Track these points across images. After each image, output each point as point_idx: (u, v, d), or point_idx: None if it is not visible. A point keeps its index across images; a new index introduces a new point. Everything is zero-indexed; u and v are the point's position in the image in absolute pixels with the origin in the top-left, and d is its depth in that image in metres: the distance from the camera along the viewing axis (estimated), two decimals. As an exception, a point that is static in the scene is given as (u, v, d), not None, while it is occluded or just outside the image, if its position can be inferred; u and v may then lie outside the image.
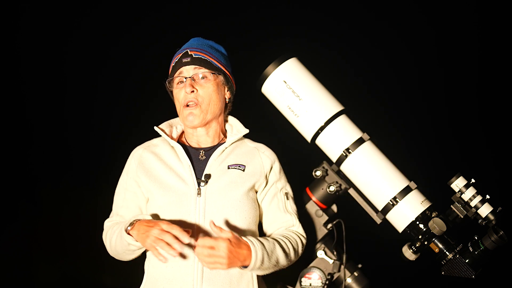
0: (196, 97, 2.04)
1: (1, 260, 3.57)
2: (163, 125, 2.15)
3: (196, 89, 2.04)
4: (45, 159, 3.75)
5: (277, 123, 2.50)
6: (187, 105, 2.04)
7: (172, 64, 2.11)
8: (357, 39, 3.67)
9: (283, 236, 2.06)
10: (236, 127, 2.17)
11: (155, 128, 2.11)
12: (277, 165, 2.15)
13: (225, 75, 2.11)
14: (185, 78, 2.05)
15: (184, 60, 2.06)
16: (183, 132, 2.20)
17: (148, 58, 3.65)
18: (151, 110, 3.20)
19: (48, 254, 3.66)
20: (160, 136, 2.14)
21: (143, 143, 2.17)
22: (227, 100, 2.16)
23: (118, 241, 1.98)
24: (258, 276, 2.08)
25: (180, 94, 2.06)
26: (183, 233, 1.82)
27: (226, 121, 2.21)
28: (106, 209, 2.16)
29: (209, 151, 2.10)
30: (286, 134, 2.51)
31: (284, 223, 2.13)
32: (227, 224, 1.98)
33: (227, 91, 2.15)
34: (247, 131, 2.14)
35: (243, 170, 2.07)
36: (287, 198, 2.16)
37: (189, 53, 2.07)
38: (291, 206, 2.16)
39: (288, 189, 2.19)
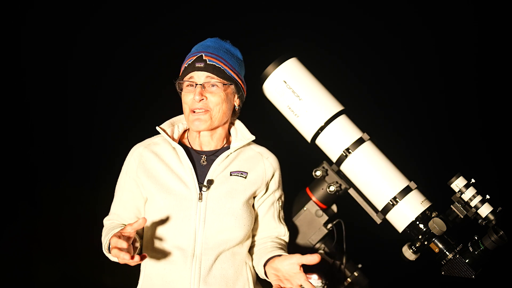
0: (205, 105, 2.00)
1: (1, 260, 3.57)
2: (164, 125, 2.12)
3: (206, 96, 2.00)
4: (45, 159, 3.75)
5: (277, 123, 2.50)
6: (194, 111, 2.01)
7: (185, 65, 2.05)
8: (357, 39, 3.68)
9: (284, 248, 2.12)
10: (241, 132, 2.15)
11: (157, 128, 2.08)
12: (278, 173, 2.15)
13: (237, 84, 2.07)
14: (196, 84, 2.01)
15: (198, 64, 2.00)
16: (185, 131, 2.18)
17: (150, 58, 3.65)
18: (152, 110, 3.19)
19: (48, 254, 3.67)
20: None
21: (143, 140, 2.14)
22: (236, 107, 2.12)
23: (107, 255, 2.00)
24: (253, 278, 2.09)
25: (187, 97, 2.02)
26: (119, 242, 1.74)
27: (232, 123, 2.18)
28: (106, 209, 2.16)
29: (211, 156, 2.08)
30: (286, 134, 2.51)
31: (276, 232, 2.16)
32: (226, 230, 1.98)
33: (237, 98, 2.11)
34: (253, 137, 2.11)
35: (245, 177, 2.06)
36: (281, 208, 2.19)
37: (204, 58, 2.01)
38: (282, 215, 2.20)
39: (283, 197, 2.21)
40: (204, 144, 2.11)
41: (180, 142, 2.12)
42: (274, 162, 2.14)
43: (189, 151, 2.09)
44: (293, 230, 2.39)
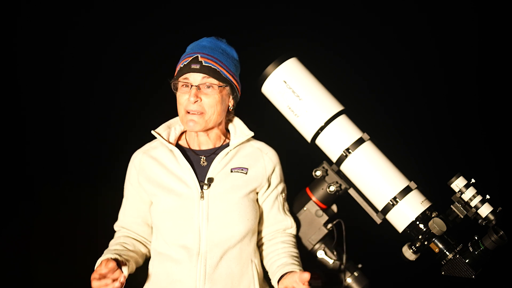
0: (200, 106, 2.00)
1: (1, 260, 3.58)
2: (160, 128, 2.13)
3: (200, 98, 2.00)
4: (44, 160, 3.75)
5: (277, 123, 2.50)
6: (188, 112, 2.01)
7: (180, 65, 2.04)
8: (358, 39, 3.67)
9: (295, 255, 2.15)
10: (240, 129, 2.16)
11: (152, 132, 2.09)
12: (279, 167, 2.17)
13: (232, 85, 2.07)
14: (191, 85, 2.00)
15: (193, 66, 1.99)
16: (182, 133, 2.19)
17: (147, 56, 3.64)
18: (151, 108, 3.19)
19: (48, 254, 3.67)
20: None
21: (143, 145, 2.16)
22: (230, 108, 2.12)
23: None
24: (260, 276, 2.10)
25: (182, 98, 2.02)
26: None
27: (230, 120, 2.19)
28: (105, 209, 2.17)
29: (210, 156, 2.09)
30: (286, 134, 2.51)
31: (283, 225, 2.19)
32: (229, 226, 1.99)
33: (232, 99, 2.11)
34: (251, 134, 2.13)
35: (246, 173, 2.07)
36: (285, 200, 2.22)
37: (199, 59, 2.00)
38: (287, 207, 2.24)
39: (286, 189, 2.23)
40: (202, 143, 2.12)
41: (178, 144, 2.14)
42: (273, 156, 2.15)
43: (186, 152, 2.10)
44: (293, 230, 2.39)
